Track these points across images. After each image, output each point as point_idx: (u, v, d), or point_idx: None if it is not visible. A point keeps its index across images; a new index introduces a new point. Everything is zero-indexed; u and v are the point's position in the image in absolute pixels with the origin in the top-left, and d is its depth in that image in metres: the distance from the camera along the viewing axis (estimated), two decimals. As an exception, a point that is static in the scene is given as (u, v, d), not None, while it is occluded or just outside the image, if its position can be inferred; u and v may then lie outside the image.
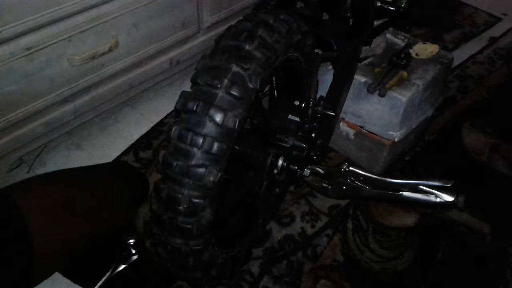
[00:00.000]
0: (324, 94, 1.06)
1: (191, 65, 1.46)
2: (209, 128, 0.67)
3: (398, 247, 1.15)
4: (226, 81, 0.68)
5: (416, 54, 1.21)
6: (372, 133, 1.18)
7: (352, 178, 0.91)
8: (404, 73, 1.13)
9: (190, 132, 0.67)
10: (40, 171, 1.26)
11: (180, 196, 0.69)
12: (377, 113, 1.15)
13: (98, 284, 0.97)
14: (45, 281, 0.86)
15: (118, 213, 0.99)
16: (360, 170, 0.90)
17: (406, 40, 1.26)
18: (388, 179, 0.88)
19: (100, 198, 0.94)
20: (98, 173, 1.02)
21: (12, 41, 0.98)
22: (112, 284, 0.99)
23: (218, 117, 0.67)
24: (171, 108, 1.43)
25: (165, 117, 1.43)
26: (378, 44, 1.25)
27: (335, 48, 1.05)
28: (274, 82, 1.01)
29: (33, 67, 1.04)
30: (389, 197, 0.89)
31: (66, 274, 1.02)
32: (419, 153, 1.36)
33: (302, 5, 1.06)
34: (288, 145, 0.97)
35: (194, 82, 0.70)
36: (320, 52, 1.01)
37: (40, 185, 0.87)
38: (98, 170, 1.04)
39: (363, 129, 1.19)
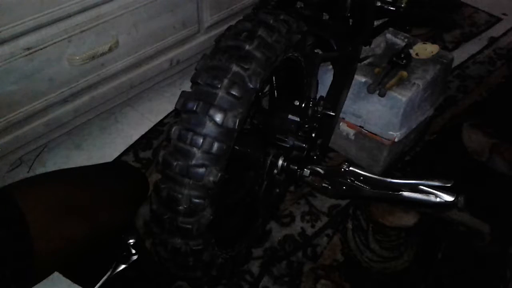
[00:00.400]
0: (324, 94, 1.06)
1: (191, 65, 1.46)
2: (209, 128, 0.67)
3: (398, 247, 1.15)
4: (226, 81, 0.68)
5: (416, 54, 1.21)
6: (372, 133, 1.18)
7: (352, 178, 0.91)
8: (404, 73, 1.13)
9: (190, 132, 0.67)
10: (40, 171, 1.26)
11: (180, 196, 0.69)
12: (377, 113, 1.15)
13: (98, 284, 0.98)
14: (45, 281, 0.86)
15: (118, 213, 0.99)
16: (360, 170, 0.90)
17: (406, 40, 1.26)
18: (388, 179, 0.88)
19: (100, 198, 0.94)
20: (98, 173, 1.02)
21: (12, 41, 0.98)
22: (112, 284, 0.99)
23: (218, 117, 0.67)
24: (171, 108, 1.43)
25: (165, 117, 1.43)
26: (378, 44, 1.25)
27: (335, 48, 1.05)
28: (274, 82, 1.01)
29: (33, 67, 1.04)
30: (389, 197, 0.89)
31: (66, 274, 1.02)
32: (419, 153, 1.36)
33: (302, 5, 1.06)
34: (288, 145, 0.97)
35: (194, 82, 0.70)
36: (320, 52, 1.01)
37: (40, 185, 0.87)
38: (98, 170, 1.04)
39: (363, 129, 1.19)
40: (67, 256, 0.87)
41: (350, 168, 0.90)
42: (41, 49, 1.04)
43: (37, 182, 0.91)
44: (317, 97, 1.02)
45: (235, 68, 0.69)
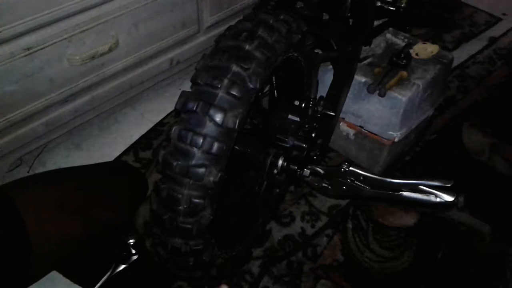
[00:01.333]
0: (324, 94, 1.06)
1: (191, 65, 1.46)
2: (209, 128, 0.67)
3: (398, 247, 1.15)
4: (226, 81, 0.68)
5: (416, 54, 1.21)
6: (372, 133, 1.18)
7: (352, 178, 0.91)
8: (404, 73, 1.13)
9: (190, 132, 0.67)
10: (40, 171, 1.26)
11: (180, 196, 0.69)
12: (377, 113, 1.15)
13: (98, 284, 0.97)
14: (44, 281, 0.86)
15: (116, 213, 0.98)
16: (360, 170, 0.90)
17: (406, 40, 1.26)
18: (388, 179, 0.88)
19: (98, 198, 0.94)
20: (96, 172, 1.02)
21: (12, 41, 0.98)
22: (112, 284, 0.99)
23: (218, 117, 0.67)
24: (171, 108, 1.43)
25: (165, 117, 1.43)
26: (378, 44, 1.25)
27: (335, 48, 1.05)
28: (274, 82, 1.01)
29: (33, 67, 1.04)
30: (389, 197, 0.89)
31: (66, 274, 1.02)
32: (419, 153, 1.36)
33: (302, 5, 1.06)
34: (288, 145, 0.97)
35: (194, 82, 0.70)
36: (320, 52, 1.01)
37: (37, 184, 0.87)
38: (97, 170, 1.04)
39: (363, 129, 1.19)
40: (65, 255, 0.87)
41: (350, 168, 0.90)
42: (41, 49, 1.04)
43: (35, 181, 0.90)
44: (317, 97, 1.02)
45: (235, 68, 0.69)
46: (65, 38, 1.07)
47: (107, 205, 0.95)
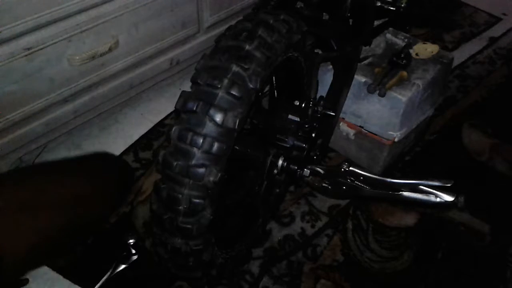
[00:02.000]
0: (324, 94, 1.07)
1: (191, 65, 1.46)
2: (209, 128, 0.67)
3: (398, 247, 1.15)
4: (226, 81, 0.68)
5: (416, 54, 1.21)
6: (372, 133, 1.18)
7: (352, 178, 0.91)
8: (404, 73, 1.13)
9: (190, 132, 0.67)
10: (40, 171, 1.26)
11: (180, 196, 0.69)
12: (377, 113, 1.15)
13: (98, 284, 0.98)
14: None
15: (97, 205, 0.96)
16: (360, 170, 0.90)
17: (406, 40, 1.26)
18: (388, 179, 0.88)
19: (76, 190, 0.90)
20: (75, 165, 1.00)
21: (12, 41, 0.98)
22: (112, 284, 0.99)
23: (218, 117, 0.67)
24: (171, 108, 1.43)
25: (165, 118, 1.43)
26: (378, 44, 1.25)
27: (335, 48, 1.05)
28: (274, 82, 1.01)
29: (33, 67, 1.04)
30: (389, 197, 0.89)
31: (66, 274, 1.02)
32: (419, 153, 1.36)
33: (302, 5, 1.06)
34: (288, 145, 0.97)
35: (194, 82, 0.70)
36: (320, 52, 1.01)
37: (11, 181, 0.85)
38: (76, 162, 1.02)
39: (363, 129, 1.19)
40: (47, 251, 0.86)
41: (350, 168, 0.90)
42: (41, 49, 1.04)
43: (8, 179, 0.89)
44: (317, 97, 1.02)
45: (235, 68, 0.69)
46: (65, 38, 1.07)
47: (86, 197, 0.92)
